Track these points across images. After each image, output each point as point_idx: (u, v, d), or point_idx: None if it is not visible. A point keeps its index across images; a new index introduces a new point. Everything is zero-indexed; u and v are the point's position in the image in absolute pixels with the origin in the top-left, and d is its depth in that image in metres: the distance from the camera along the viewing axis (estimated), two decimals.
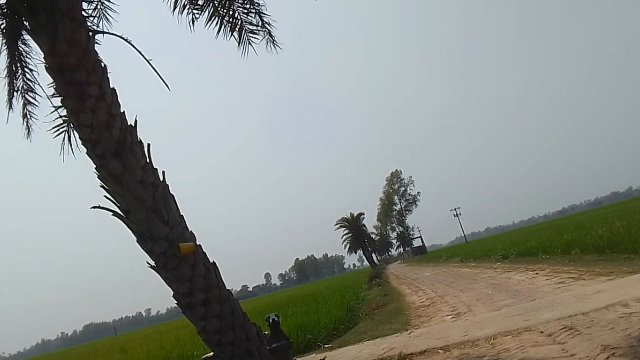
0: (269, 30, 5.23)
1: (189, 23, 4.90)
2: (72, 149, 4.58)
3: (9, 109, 5.00)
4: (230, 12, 5.00)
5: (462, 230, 69.78)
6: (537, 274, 8.68)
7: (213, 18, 4.95)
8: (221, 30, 5.03)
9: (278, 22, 5.27)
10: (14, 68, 4.85)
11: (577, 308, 4.52)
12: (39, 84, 4.95)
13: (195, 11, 4.91)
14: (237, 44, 5.12)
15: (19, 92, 5.02)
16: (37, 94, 4.98)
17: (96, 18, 4.86)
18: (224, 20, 5.01)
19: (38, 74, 4.85)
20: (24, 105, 5.05)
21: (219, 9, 4.95)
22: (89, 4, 4.77)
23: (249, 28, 5.13)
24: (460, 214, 66.19)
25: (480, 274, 11.89)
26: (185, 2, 4.83)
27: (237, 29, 5.06)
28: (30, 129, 5.12)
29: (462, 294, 8.65)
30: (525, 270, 9.81)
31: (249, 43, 5.16)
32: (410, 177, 79.95)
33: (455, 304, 7.48)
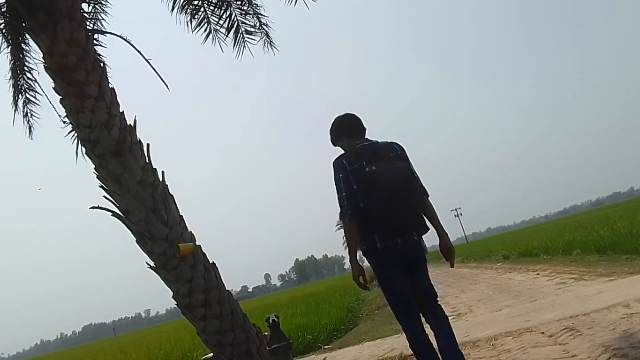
0: (266, 31, 5.22)
1: (187, 23, 4.89)
2: (77, 151, 4.56)
3: (15, 110, 5.00)
4: (228, 13, 4.99)
5: (463, 231, 69.91)
6: (538, 274, 8.66)
7: (203, 23, 4.93)
8: (216, 32, 5.02)
9: (275, 23, 5.26)
10: (17, 70, 4.85)
11: (579, 309, 4.49)
12: (37, 83, 4.95)
13: (194, 11, 4.89)
14: (233, 44, 5.10)
15: (21, 91, 5.02)
16: (39, 93, 4.99)
17: (93, 19, 4.84)
18: (220, 21, 4.99)
19: (38, 73, 4.84)
20: (25, 104, 5.05)
21: (216, 9, 4.93)
22: (88, 5, 4.75)
23: (245, 29, 5.12)
24: (461, 214, 66.26)
25: (481, 275, 11.86)
26: (184, 2, 4.82)
27: (233, 29, 5.04)
28: (32, 128, 5.13)
29: (462, 295, 8.63)
30: (527, 270, 9.78)
31: (244, 45, 5.15)
32: None
33: (456, 304, 7.45)
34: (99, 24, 4.90)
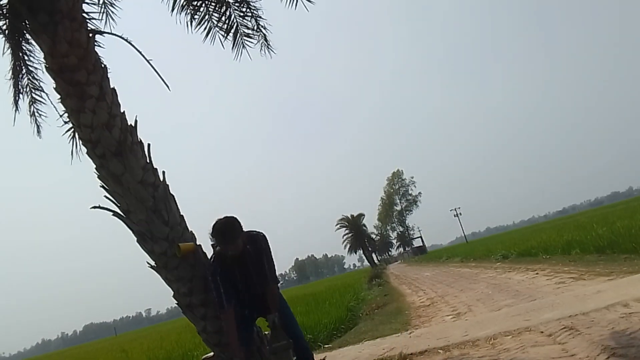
0: (264, 34, 5.23)
1: (187, 23, 4.90)
2: (78, 153, 4.58)
3: (16, 110, 5.03)
4: (227, 14, 5.00)
5: (463, 231, 69.92)
6: (537, 274, 8.68)
7: (204, 21, 4.95)
8: (214, 33, 5.03)
9: (275, 25, 5.27)
10: (18, 69, 4.86)
11: (578, 308, 4.52)
12: (44, 82, 4.99)
13: (193, 11, 4.91)
14: (232, 46, 5.12)
15: (25, 91, 5.04)
16: (45, 92, 5.02)
17: (99, 20, 4.87)
18: (220, 22, 5.00)
19: (43, 72, 4.86)
20: (30, 103, 5.08)
21: (215, 10, 4.94)
22: (91, 5, 4.76)
23: (244, 32, 5.13)
24: (460, 214, 66.25)
25: (480, 274, 11.89)
26: (184, 3, 4.83)
27: (232, 31, 5.06)
28: (40, 127, 5.17)
29: (462, 294, 8.65)
30: (526, 270, 9.81)
31: (243, 46, 5.16)
32: (412, 177, 79.94)
33: (456, 304, 7.47)
34: (106, 24, 4.92)
